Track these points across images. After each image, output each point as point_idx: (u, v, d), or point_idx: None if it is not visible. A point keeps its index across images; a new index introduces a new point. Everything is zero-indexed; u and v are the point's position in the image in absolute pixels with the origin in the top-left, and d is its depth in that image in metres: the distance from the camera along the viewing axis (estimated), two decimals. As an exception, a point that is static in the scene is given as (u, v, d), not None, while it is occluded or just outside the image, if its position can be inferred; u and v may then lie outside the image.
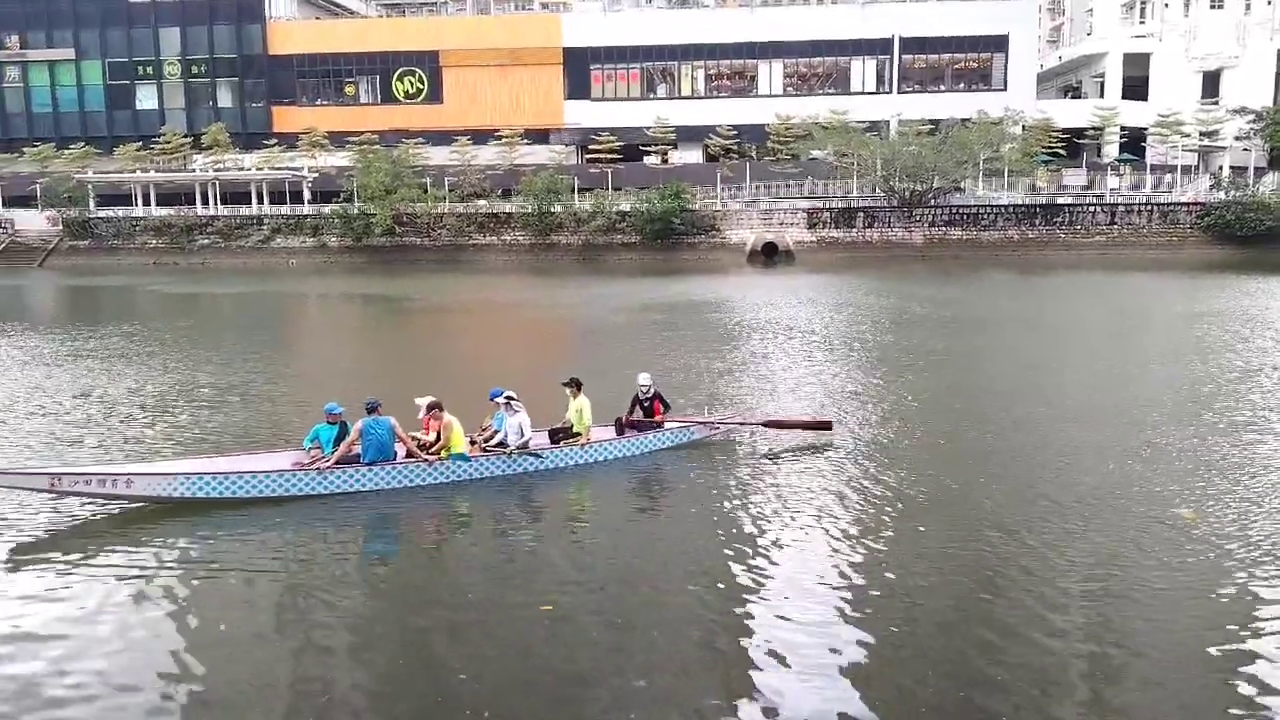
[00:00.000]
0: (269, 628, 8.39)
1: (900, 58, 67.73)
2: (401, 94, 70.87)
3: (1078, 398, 17.07)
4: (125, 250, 60.38)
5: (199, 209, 63.10)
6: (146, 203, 64.20)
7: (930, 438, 14.16)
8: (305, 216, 61.39)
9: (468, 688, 7.24)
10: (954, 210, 56.61)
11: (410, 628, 8.37)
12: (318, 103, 71.29)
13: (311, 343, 29.51)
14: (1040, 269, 46.91)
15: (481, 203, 60.14)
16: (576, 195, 58.96)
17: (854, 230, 56.73)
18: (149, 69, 71.67)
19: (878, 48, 67.64)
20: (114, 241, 61.10)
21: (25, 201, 64.02)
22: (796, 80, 69.68)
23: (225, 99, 72.14)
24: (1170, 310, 31.42)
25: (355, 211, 58.38)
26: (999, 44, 66.76)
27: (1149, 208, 55.24)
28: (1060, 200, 57.28)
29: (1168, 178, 59.18)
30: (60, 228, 62.14)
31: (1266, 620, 8.06)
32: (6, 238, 62.09)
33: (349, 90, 71.62)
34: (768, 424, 14.18)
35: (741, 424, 14.38)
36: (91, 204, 63.59)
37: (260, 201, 63.55)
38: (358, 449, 11.88)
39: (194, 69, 71.69)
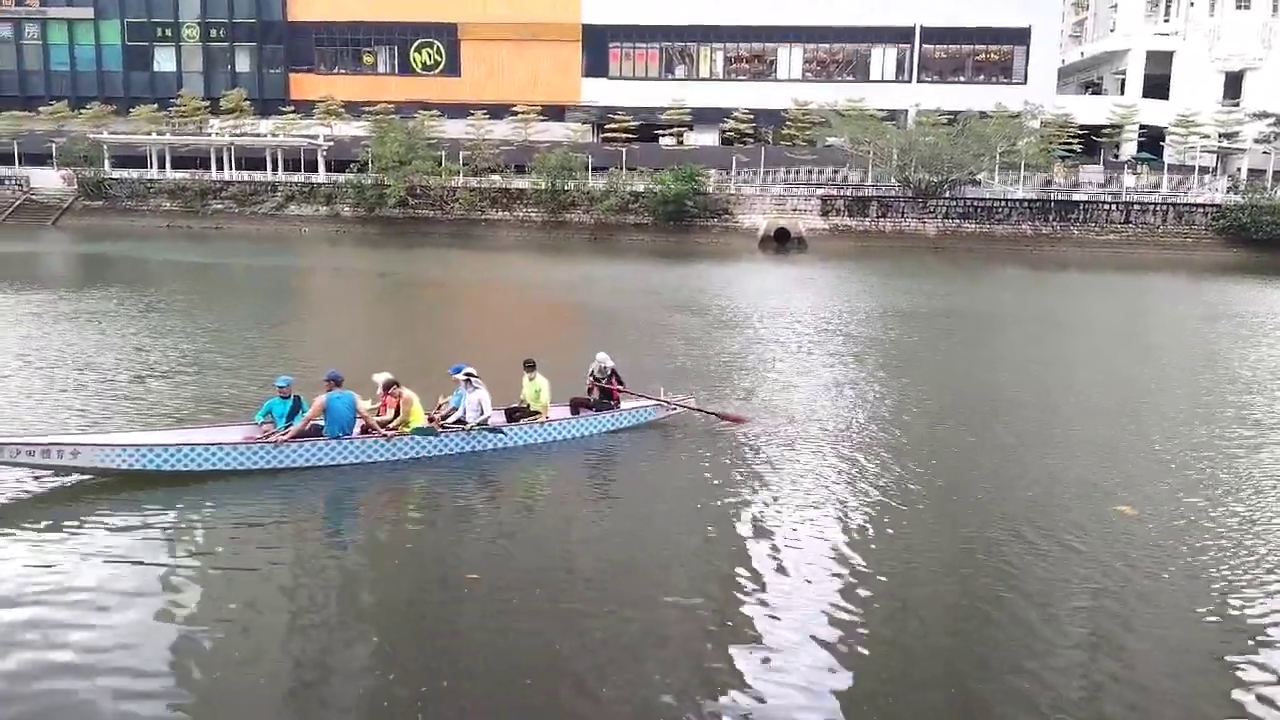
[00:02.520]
0: (219, 607, 8.06)
1: (921, 47, 67.30)
2: (419, 65, 70.67)
3: (1068, 400, 17.07)
4: (139, 212, 60.49)
5: (214, 173, 63.16)
6: (162, 165, 64.24)
7: (896, 433, 13.97)
8: (319, 185, 61.41)
9: (417, 667, 7.18)
10: (968, 203, 56.41)
11: (366, 605, 8.25)
12: (335, 71, 71.15)
13: (299, 315, 28.70)
14: (1052, 265, 46.81)
15: (495, 178, 60.07)
16: (590, 174, 58.88)
17: (867, 219, 56.59)
18: (167, 31, 71.53)
19: (899, 36, 67.20)
20: (128, 203, 61.19)
21: (41, 160, 64.09)
22: (816, 66, 69.30)
23: (243, 64, 72.01)
24: (1174, 312, 31.41)
25: (369, 182, 58.41)
26: (1021, 37, 66.28)
27: (1164, 208, 54.96)
28: (1075, 197, 57.00)
29: (1185, 178, 58.83)
30: (75, 187, 62.26)
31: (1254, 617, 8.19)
32: (21, 195, 62.23)
33: (367, 59, 71.45)
34: (716, 415, 14.20)
35: (693, 409, 14.29)
36: (106, 164, 63.62)
37: (275, 168, 63.56)
38: (319, 422, 11.56)
39: (212, 32, 71.54)
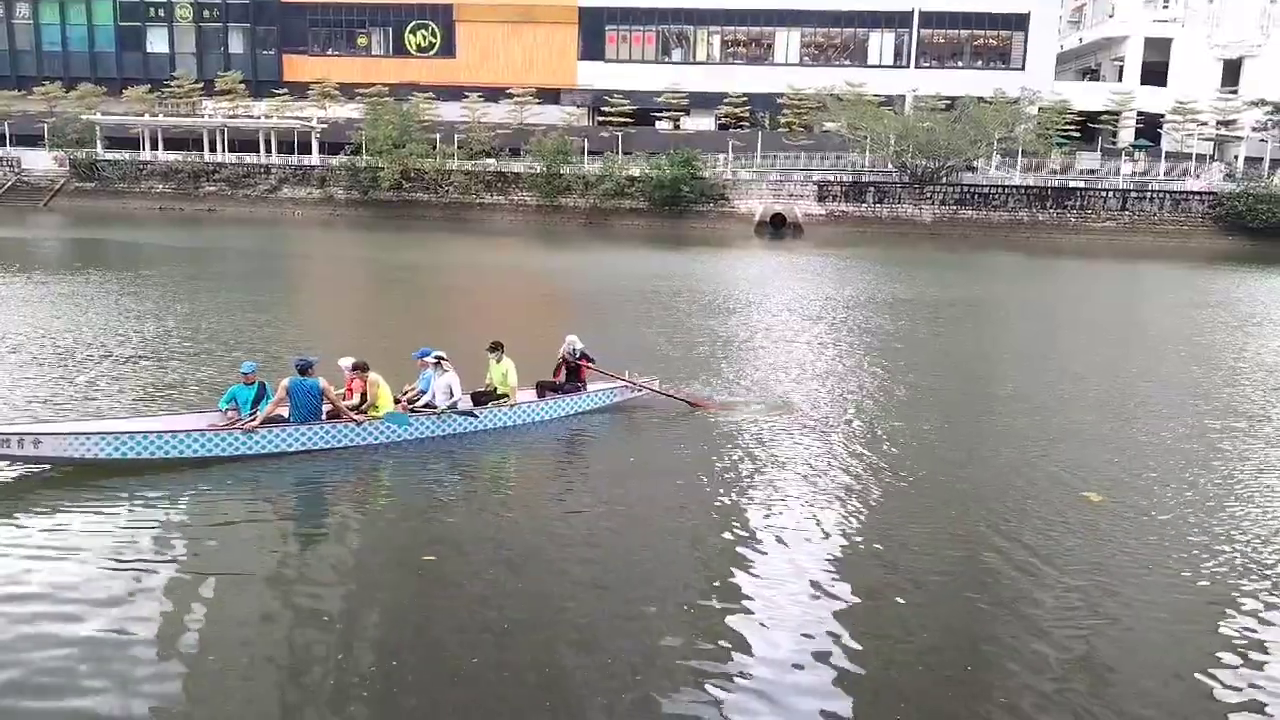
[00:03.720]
0: (185, 598, 7.82)
1: (919, 32, 66.96)
2: (414, 47, 70.20)
3: (1055, 388, 16.96)
4: (131, 194, 60.19)
5: (207, 155, 62.82)
6: (154, 147, 63.89)
7: (874, 420, 13.78)
8: (313, 167, 61.15)
9: (380, 651, 7.09)
10: (965, 189, 56.30)
11: (332, 590, 8.12)
12: (329, 52, 70.63)
13: (282, 300, 27.16)
14: (1048, 252, 46.78)
15: (490, 161, 59.80)
16: (586, 158, 58.62)
17: (864, 205, 56.48)
18: (160, 11, 70.93)
19: (896, 20, 66.85)
20: (120, 184, 60.88)
21: (33, 141, 63.70)
22: (813, 50, 68.95)
23: (236, 45, 71.48)
24: (1168, 301, 31.37)
25: (363, 165, 58.13)
26: (1019, 22, 65.99)
27: (1161, 195, 54.91)
28: (1072, 184, 56.91)
29: (1182, 165, 58.72)
30: (67, 168, 61.92)
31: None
32: (13, 177, 61.88)
33: (361, 41, 70.95)
34: (682, 399, 14.10)
35: (658, 393, 14.18)
36: (99, 146, 63.28)
37: (268, 151, 63.25)
38: (283, 410, 11.30)
39: (206, 13, 70.93)
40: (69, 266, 30.80)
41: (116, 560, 8.48)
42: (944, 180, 56.30)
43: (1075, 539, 9.45)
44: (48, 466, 10.44)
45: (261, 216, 56.05)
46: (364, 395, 11.75)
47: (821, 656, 7.13)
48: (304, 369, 11.36)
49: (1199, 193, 54.87)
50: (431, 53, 70.04)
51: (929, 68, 66.78)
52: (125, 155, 62.78)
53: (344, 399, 11.72)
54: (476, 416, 12.42)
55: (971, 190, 56.31)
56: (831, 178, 57.84)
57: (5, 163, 62.65)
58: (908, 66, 66.92)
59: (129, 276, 27.93)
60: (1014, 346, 22.06)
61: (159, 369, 15.72)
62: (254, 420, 11.18)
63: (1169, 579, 8.66)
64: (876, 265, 37.88)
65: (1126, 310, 29.97)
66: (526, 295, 28.82)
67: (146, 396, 13.95)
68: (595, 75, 68.22)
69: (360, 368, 11.85)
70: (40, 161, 62.82)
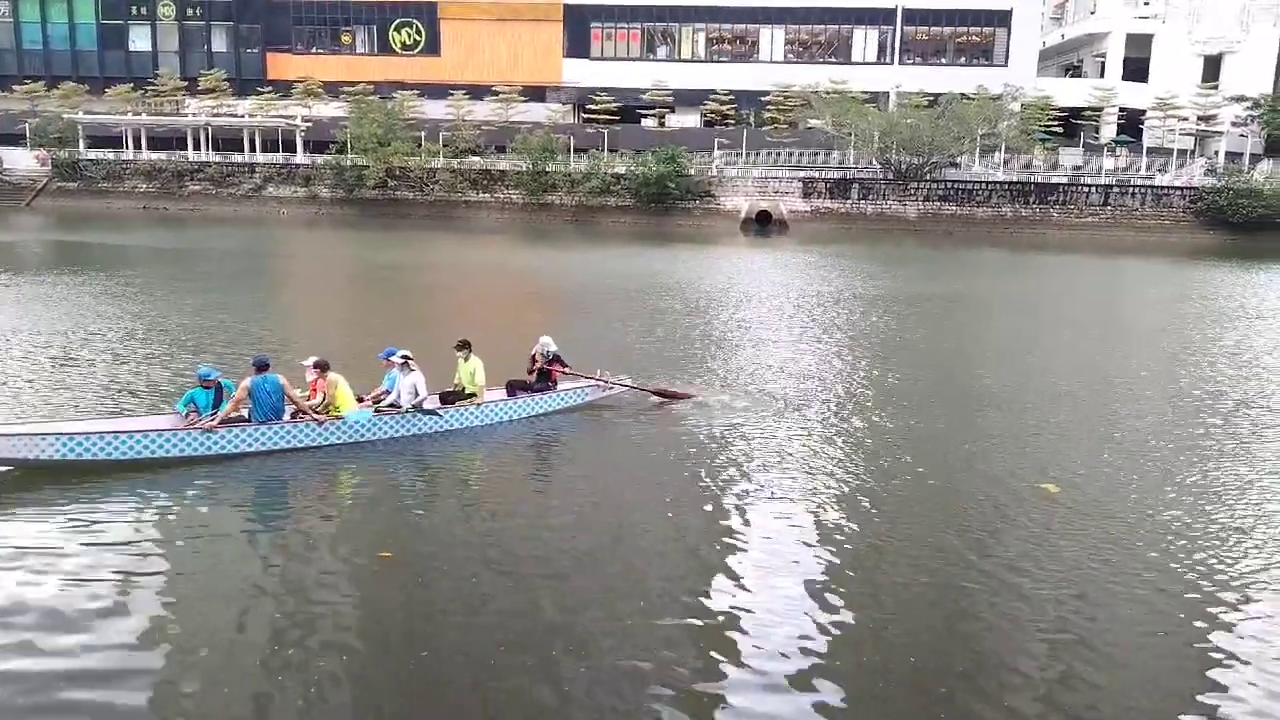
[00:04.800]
0: (142, 601, 7.78)
1: (903, 29, 67.21)
2: (398, 45, 70.02)
3: (1029, 384, 17.18)
4: (115, 194, 59.88)
5: (190, 154, 62.55)
6: (137, 146, 63.56)
7: (850, 415, 13.92)
8: (297, 166, 60.98)
9: (339, 653, 7.09)
10: (949, 185, 56.60)
11: (287, 587, 8.10)
12: (313, 51, 70.35)
13: (259, 301, 26.62)
14: (1030, 248, 47.09)
15: (475, 159, 59.76)
16: (572, 155, 58.64)
17: (849, 201, 56.72)
18: (143, 9, 70.44)
19: (880, 18, 67.07)
20: (103, 184, 60.56)
21: (14, 140, 63.29)
22: (798, 47, 69.10)
23: (220, 43, 71.13)
24: (1148, 296, 31.71)
25: (348, 163, 58.00)
26: (1002, 19, 66.31)
27: (1143, 190, 55.34)
28: (1055, 179, 57.30)
29: (1163, 161, 59.16)
30: (49, 168, 61.55)
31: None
32: (-5, 176, 61.51)
33: (345, 39, 70.71)
34: (656, 392, 14.30)
35: (631, 388, 14.30)
36: (81, 145, 62.94)
37: (253, 149, 63.02)
38: (244, 410, 11.20)
39: (189, 11, 70.51)
40: (50, 268, 30.60)
41: (69, 563, 8.39)
42: (928, 176, 56.59)
43: (1049, 536, 9.57)
44: (3, 469, 10.27)
45: (246, 215, 55.86)
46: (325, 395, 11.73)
47: (798, 660, 7.22)
48: (262, 366, 11.27)
49: (1180, 188, 55.31)
50: (416, 50, 69.89)
51: (913, 64, 67.06)
52: (108, 154, 62.46)
53: (308, 399, 11.66)
54: (440, 416, 12.33)
55: (955, 186, 56.61)
56: (816, 174, 58.05)
57: (-13, 162, 62.28)
58: (892, 63, 67.16)
59: (109, 278, 27.65)
60: (994, 343, 22.25)
61: (133, 371, 15.57)
62: (213, 420, 11.08)
63: (1143, 578, 8.75)
64: (860, 262, 38.07)
65: (1108, 305, 30.25)
66: (511, 293, 28.82)
67: (120, 397, 13.84)
68: (580, 73, 68.20)
69: (320, 367, 11.77)
70: (22, 161, 62.44)
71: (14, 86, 66.18)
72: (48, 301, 22.70)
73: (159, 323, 20.18)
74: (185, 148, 63.08)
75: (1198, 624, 7.82)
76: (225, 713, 6.40)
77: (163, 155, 62.26)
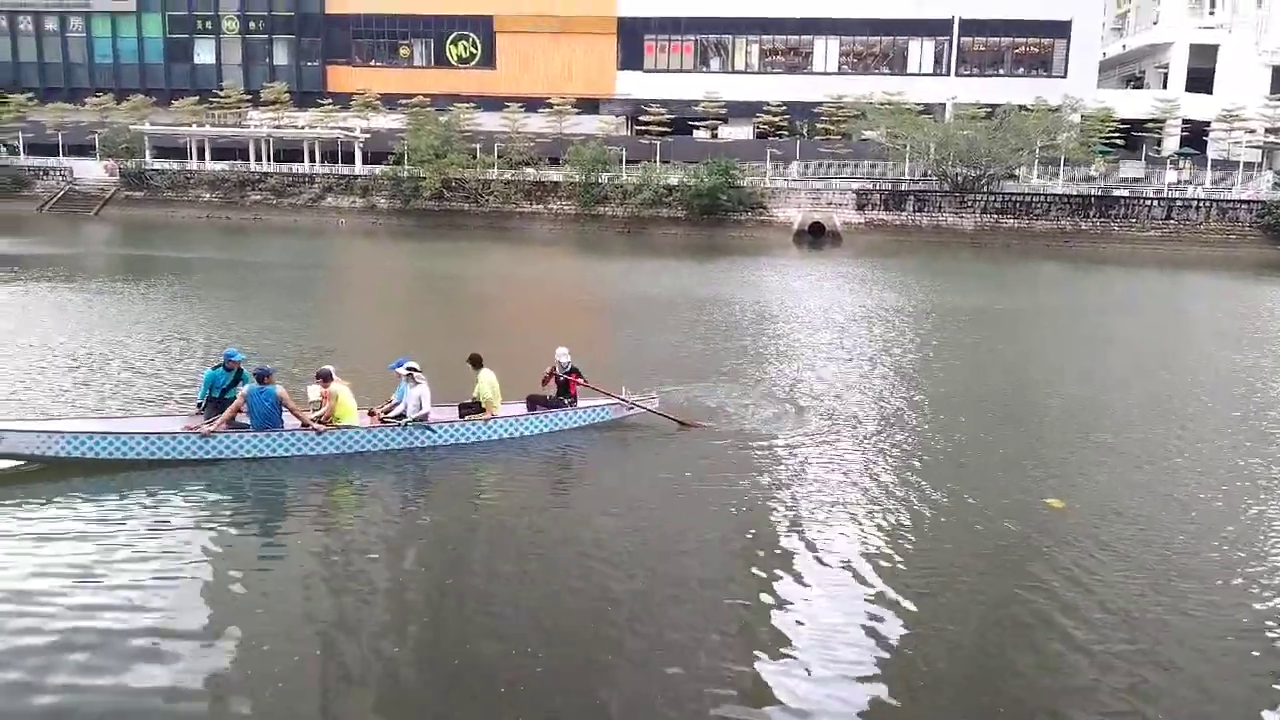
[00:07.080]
0: (136, 604, 7.85)
1: (959, 40, 66.58)
2: (455, 58, 71.00)
3: (1077, 403, 16.81)
4: (179, 202, 61.40)
5: (253, 165, 63.96)
6: (201, 156, 65.14)
7: (895, 435, 13.54)
8: (356, 177, 62.05)
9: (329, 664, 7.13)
10: (1007, 198, 55.82)
11: (276, 597, 8.17)
12: (372, 63, 71.65)
13: (312, 309, 26.87)
14: (1090, 262, 46.15)
15: (529, 171, 60.30)
16: (624, 167, 58.89)
17: (904, 213, 56.20)
18: (207, 24, 72.36)
19: (937, 29, 66.51)
20: (168, 193, 62.15)
21: (84, 151, 65.26)
22: (852, 59, 68.75)
23: (281, 57, 72.73)
24: (1211, 313, 30.87)
25: (405, 174, 58.87)
26: (1061, 30, 65.37)
27: (1207, 204, 54.06)
28: (1116, 192, 56.22)
29: (1229, 174, 57.76)
30: (117, 177, 63.32)
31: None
32: (65, 185, 63.38)
33: (403, 52, 71.87)
34: (677, 420, 13.61)
35: (653, 412, 13.62)
36: (148, 155, 64.67)
37: (312, 160, 64.25)
38: (243, 419, 11.50)
39: (251, 25, 72.29)
40: (121, 275, 31.50)
41: (60, 558, 8.58)
42: (985, 189, 55.86)
43: (1104, 555, 9.40)
44: (10, 463, 10.74)
45: (305, 225, 56.87)
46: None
47: (832, 678, 7.16)
48: (262, 377, 11.55)
49: (1246, 201, 53.95)
50: (472, 64, 70.79)
51: (970, 75, 66.34)
52: (173, 164, 64.08)
53: (319, 407, 11.90)
54: (434, 431, 12.22)
55: (1013, 199, 55.82)
56: (870, 186, 57.63)
57: (58, 172, 64.20)
58: (948, 75, 66.51)
59: (176, 285, 28.56)
60: (1051, 361, 21.47)
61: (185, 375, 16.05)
62: (210, 425, 11.35)
63: (1186, 599, 8.58)
64: (916, 275, 37.54)
65: (1170, 320, 29.52)
66: (559, 304, 29.02)
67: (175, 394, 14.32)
68: (634, 85, 68.56)
69: (324, 377, 11.94)
70: (91, 171, 64.29)
71: (86, 100, 68.25)
72: (120, 303, 23.37)
73: (220, 329, 20.73)
74: (248, 158, 64.53)
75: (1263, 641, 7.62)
76: (229, 714, 6.52)
77: (226, 165, 63.72)
